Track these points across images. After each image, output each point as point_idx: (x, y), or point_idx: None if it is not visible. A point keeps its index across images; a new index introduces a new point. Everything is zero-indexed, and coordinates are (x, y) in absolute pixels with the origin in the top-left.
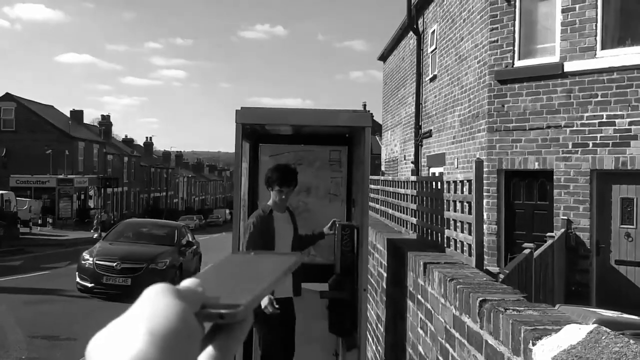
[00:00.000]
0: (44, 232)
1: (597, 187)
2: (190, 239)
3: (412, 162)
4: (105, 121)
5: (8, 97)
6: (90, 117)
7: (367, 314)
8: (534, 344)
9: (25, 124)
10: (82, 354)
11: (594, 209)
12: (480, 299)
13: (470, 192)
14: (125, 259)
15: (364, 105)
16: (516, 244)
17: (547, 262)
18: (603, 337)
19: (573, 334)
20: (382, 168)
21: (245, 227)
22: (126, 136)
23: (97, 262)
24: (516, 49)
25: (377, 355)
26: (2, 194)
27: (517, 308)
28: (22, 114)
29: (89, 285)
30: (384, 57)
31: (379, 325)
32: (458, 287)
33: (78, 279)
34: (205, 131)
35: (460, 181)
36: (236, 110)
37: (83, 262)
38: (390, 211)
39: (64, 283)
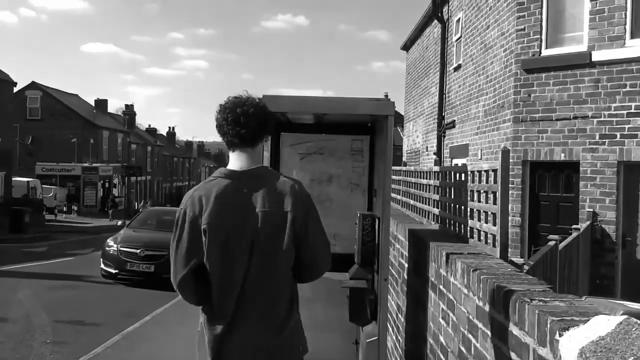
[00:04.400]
0: (69, 219)
1: (624, 179)
2: None
3: (434, 154)
4: (129, 110)
5: (34, 85)
6: (115, 106)
7: (387, 304)
8: (560, 335)
9: (51, 112)
10: (106, 339)
11: (621, 201)
12: (506, 289)
13: (495, 182)
14: (149, 246)
15: (386, 96)
16: (540, 236)
17: (572, 255)
18: (633, 329)
19: (602, 325)
20: (404, 159)
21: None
22: (149, 126)
23: (122, 248)
24: (543, 37)
25: (397, 345)
26: (28, 181)
27: (544, 299)
28: (48, 102)
29: (113, 271)
30: (407, 47)
31: (400, 316)
32: (482, 277)
33: (102, 265)
34: None
35: (485, 171)
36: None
37: (107, 248)
38: (412, 202)
39: (89, 269)
